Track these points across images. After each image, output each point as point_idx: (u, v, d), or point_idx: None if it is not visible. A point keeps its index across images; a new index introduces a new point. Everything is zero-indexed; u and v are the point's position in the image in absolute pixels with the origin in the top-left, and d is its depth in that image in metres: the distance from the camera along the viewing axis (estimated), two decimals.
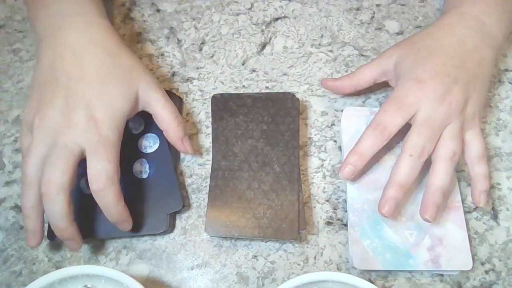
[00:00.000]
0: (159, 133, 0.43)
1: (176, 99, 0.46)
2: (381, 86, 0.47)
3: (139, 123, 0.45)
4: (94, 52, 0.39)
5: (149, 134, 0.44)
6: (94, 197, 0.36)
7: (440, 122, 0.37)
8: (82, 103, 0.37)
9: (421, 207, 0.38)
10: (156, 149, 0.43)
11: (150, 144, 0.44)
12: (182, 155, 0.45)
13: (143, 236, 0.41)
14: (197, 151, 0.44)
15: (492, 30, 0.41)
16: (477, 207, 0.42)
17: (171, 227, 0.42)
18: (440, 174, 0.37)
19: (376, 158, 0.42)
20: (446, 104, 0.37)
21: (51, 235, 0.41)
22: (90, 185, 0.36)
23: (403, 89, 0.39)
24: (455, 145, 0.37)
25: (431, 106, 0.37)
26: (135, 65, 0.40)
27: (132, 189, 0.41)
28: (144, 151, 0.44)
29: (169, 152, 0.43)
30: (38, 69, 0.39)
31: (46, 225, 0.41)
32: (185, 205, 0.42)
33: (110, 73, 0.39)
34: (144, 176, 0.43)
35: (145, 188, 0.42)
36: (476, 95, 0.39)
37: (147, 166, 0.43)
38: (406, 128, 0.38)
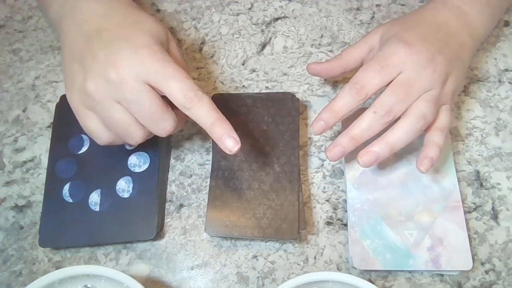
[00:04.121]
0: (152, 153, 0.43)
1: None
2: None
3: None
4: (117, 5, 0.38)
5: (141, 153, 0.43)
6: (188, 114, 0.35)
7: (419, 87, 0.36)
8: (121, 41, 0.35)
9: (362, 151, 0.37)
10: (144, 170, 0.42)
11: (139, 163, 0.43)
12: (174, 172, 0.45)
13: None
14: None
15: (473, 21, 0.41)
16: (477, 207, 0.42)
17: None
18: (399, 129, 0.36)
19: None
20: (429, 70, 0.36)
21: (43, 242, 0.41)
22: (182, 106, 0.35)
23: (388, 49, 0.37)
24: (428, 107, 0.36)
25: (414, 69, 0.36)
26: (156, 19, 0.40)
27: (110, 206, 0.41)
28: (132, 169, 0.43)
29: (156, 176, 0.42)
30: (67, 44, 0.38)
31: (39, 226, 0.41)
32: (159, 232, 0.41)
33: (138, 15, 0.38)
34: (126, 195, 0.42)
35: (123, 208, 0.41)
36: (456, 74, 0.39)
37: (131, 185, 0.42)
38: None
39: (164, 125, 0.36)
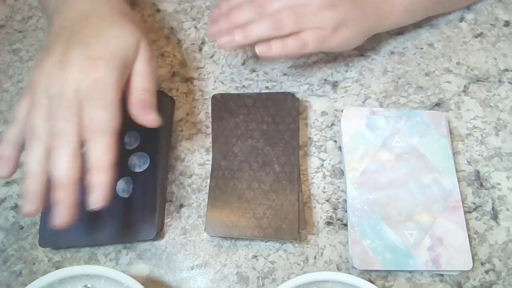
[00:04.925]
0: (152, 154, 0.42)
1: (168, 99, 0.46)
2: (381, 86, 0.47)
3: (135, 139, 0.44)
4: (102, 8, 0.38)
5: (141, 153, 0.43)
6: (86, 145, 0.33)
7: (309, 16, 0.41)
8: (81, 44, 0.35)
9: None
10: (145, 170, 0.42)
11: (140, 163, 0.43)
12: (174, 172, 0.45)
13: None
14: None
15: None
16: (477, 207, 0.42)
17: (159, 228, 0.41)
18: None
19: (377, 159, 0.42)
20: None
21: (43, 242, 0.41)
22: (83, 132, 0.33)
23: None
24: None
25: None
26: (140, 26, 0.39)
27: (110, 206, 0.41)
28: (132, 169, 0.42)
29: (157, 176, 0.42)
30: (46, 37, 0.39)
31: (39, 227, 0.41)
32: (159, 232, 0.41)
33: (115, 20, 0.38)
34: (126, 195, 0.42)
35: (123, 208, 0.41)
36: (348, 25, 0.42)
37: (131, 186, 0.42)
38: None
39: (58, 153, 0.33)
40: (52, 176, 0.33)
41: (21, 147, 0.35)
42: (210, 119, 0.45)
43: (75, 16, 0.38)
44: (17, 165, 0.35)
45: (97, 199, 0.33)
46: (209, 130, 0.46)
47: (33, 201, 0.33)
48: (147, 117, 0.36)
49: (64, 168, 0.32)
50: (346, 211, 0.42)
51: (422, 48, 0.49)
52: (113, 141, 0.33)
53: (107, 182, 0.33)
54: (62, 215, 0.33)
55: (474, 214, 0.41)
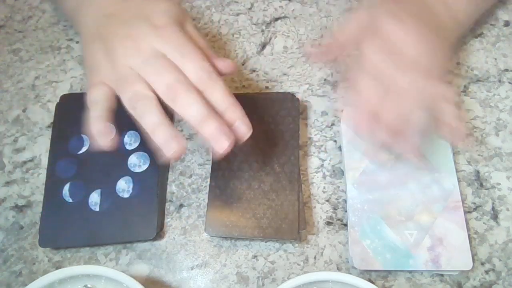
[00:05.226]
0: (152, 153, 0.42)
1: None
2: None
3: (135, 139, 0.44)
4: None
5: (141, 153, 0.43)
6: (204, 94, 0.34)
7: (423, 64, 0.37)
8: (141, 18, 0.36)
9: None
10: (145, 170, 0.42)
11: (139, 163, 0.43)
12: (174, 172, 0.45)
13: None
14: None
15: (453, 3, 0.42)
16: (477, 207, 0.42)
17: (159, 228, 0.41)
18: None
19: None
20: (429, 45, 0.38)
21: (43, 242, 0.41)
22: (196, 85, 0.34)
23: (386, 26, 0.38)
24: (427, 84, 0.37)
25: (417, 45, 0.37)
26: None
27: (110, 206, 0.41)
28: (132, 169, 0.42)
29: (157, 176, 0.42)
30: (86, 28, 0.39)
31: (39, 227, 0.41)
32: (159, 232, 0.41)
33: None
34: (125, 195, 0.41)
35: (123, 208, 0.41)
36: (442, 48, 0.40)
37: (131, 185, 0.42)
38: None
39: (182, 102, 0.34)
40: (192, 119, 0.34)
41: (111, 114, 0.36)
42: None
43: (110, 4, 0.38)
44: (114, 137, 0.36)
45: (245, 128, 0.35)
46: None
47: (179, 142, 0.34)
48: (226, 63, 0.38)
49: (203, 104, 0.33)
50: (346, 211, 0.42)
51: None
52: (224, 84, 0.35)
53: (243, 113, 0.35)
54: (228, 137, 0.34)
55: (474, 214, 0.41)
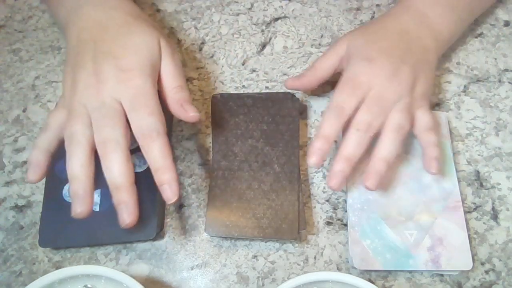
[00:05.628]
0: None
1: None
2: None
3: (134, 139, 0.44)
4: (115, 14, 0.40)
5: (141, 153, 0.43)
6: (142, 151, 0.35)
7: (390, 100, 0.38)
8: (109, 57, 0.37)
9: (365, 175, 0.38)
10: (144, 170, 0.42)
11: (140, 163, 0.43)
12: (177, 167, 0.45)
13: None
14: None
15: (436, 24, 0.43)
16: (477, 207, 0.42)
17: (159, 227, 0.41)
18: (386, 144, 0.38)
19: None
20: (395, 82, 0.39)
21: (43, 242, 0.41)
22: (137, 139, 0.35)
23: (353, 69, 0.40)
24: (403, 117, 0.38)
25: (382, 84, 0.38)
26: (154, 24, 0.41)
27: (110, 206, 0.41)
28: None
29: None
30: (67, 50, 0.40)
31: (39, 227, 0.41)
32: (159, 232, 0.41)
33: (132, 26, 0.39)
34: None
35: None
36: (423, 76, 0.40)
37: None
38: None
39: (113, 157, 0.35)
40: (109, 181, 0.35)
41: (51, 155, 0.37)
42: (210, 119, 0.45)
43: (92, 26, 0.39)
44: (47, 171, 0.37)
45: (172, 193, 0.35)
46: (209, 130, 0.46)
47: (85, 202, 0.35)
48: (189, 114, 0.38)
49: (122, 172, 0.34)
50: (346, 211, 0.42)
51: None
52: (167, 141, 0.36)
53: (175, 177, 0.35)
54: (130, 214, 0.35)
55: (474, 214, 0.41)
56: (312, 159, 0.37)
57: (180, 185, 0.44)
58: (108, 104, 0.35)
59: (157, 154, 0.35)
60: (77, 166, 0.35)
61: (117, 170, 0.34)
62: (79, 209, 0.34)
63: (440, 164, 0.38)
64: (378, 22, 0.44)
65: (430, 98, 0.43)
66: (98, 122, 0.35)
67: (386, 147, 0.38)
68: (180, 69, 0.40)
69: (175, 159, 0.45)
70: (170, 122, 0.46)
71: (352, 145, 0.37)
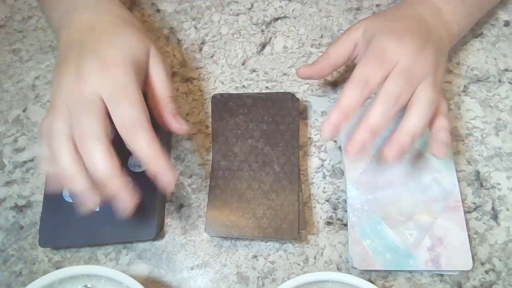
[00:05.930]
0: None
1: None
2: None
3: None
4: (105, 18, 0.39)
5: None
6: (127, 146, 0.34)
7: (418, 75, 0.37)
8: (93, 54, 0.36)
9: (386, 145, 0.36)
10: (145, 170, 0.41)
11: (139, 163, 0.42)
12: (177, 167, 0.45)
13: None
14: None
15: (448, 17, 0.42)
16: (477, 207, 0.42)
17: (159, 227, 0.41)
18: (414, 117, 0.36)
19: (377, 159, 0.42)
20: (423, 57, 0.37)
21: (43, 242, 0.41)
22: (121, 134, 0.34)
23: (380, 44, 0.38)
24: (434, 93, 0.37)
25: (410, 57, 0.37)
26: (146, 32, 0.41)
27: (110, 206, 0.41)
28: (132, 169, 0.42)
29: None
30: (58, 52, 0.40)
31: (38, 227, 0.41)
32: (159, 232, 0.41)
33: (121, 28, 0.39)
34: None
35: None
36: (442, 64, 0.40)
37: (131, 186, 0.42)
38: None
39: (94, 154, 0.33)
40: (94, 175, 0.33)
41: None
42: (210, 119, 0.45)
43: (82, 29, 0.39)
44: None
45: (167, 181, 0.35)
46: (209, 130, 0.46)
47: (91, 197, 0.34)
48: (181, 126, 0.38)
49: (106, 164, 0.33)
50: (346, 211, 0.42)
51: None
52: (153, 133, 0.34)
53: (168, 164, 0.34)
54: (126, 204, 0.34)
55: (474, 214, 0.41)
56: (325, 132, 0.36)
57: (179, 183, 0.44)
58: (88, 98, 0.34)
59: (144, 146, 0.34)
60: (68, 163, 0.34)
61: (103, 163, 0.33)
62: (89, 203, 0.34)
63: (446, 149, 0.37)
64: (395, 9, 0.42)
65: None
66: (75, 116, 0.34)
67: (415, 121, 0.36)
68: (170, 80, 0.40)
69: (175, 159, 0.45)
70: (169, 138, 0.46)
71: (379, 116, 0.35)
